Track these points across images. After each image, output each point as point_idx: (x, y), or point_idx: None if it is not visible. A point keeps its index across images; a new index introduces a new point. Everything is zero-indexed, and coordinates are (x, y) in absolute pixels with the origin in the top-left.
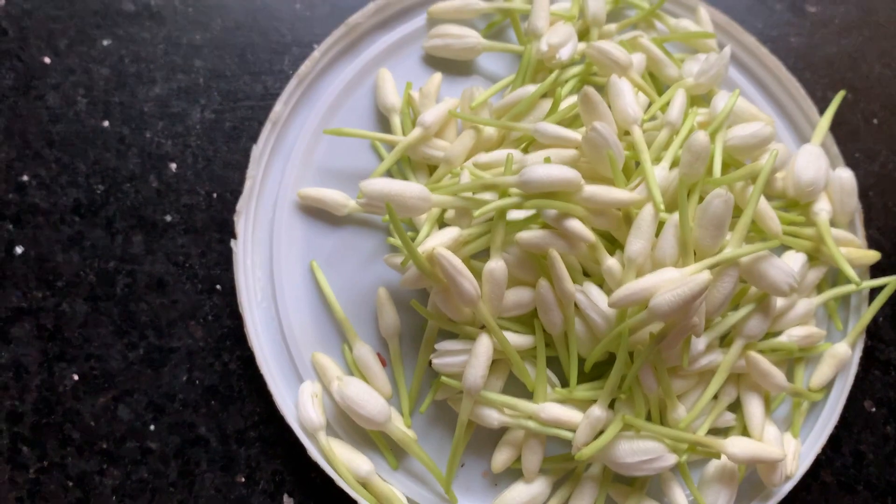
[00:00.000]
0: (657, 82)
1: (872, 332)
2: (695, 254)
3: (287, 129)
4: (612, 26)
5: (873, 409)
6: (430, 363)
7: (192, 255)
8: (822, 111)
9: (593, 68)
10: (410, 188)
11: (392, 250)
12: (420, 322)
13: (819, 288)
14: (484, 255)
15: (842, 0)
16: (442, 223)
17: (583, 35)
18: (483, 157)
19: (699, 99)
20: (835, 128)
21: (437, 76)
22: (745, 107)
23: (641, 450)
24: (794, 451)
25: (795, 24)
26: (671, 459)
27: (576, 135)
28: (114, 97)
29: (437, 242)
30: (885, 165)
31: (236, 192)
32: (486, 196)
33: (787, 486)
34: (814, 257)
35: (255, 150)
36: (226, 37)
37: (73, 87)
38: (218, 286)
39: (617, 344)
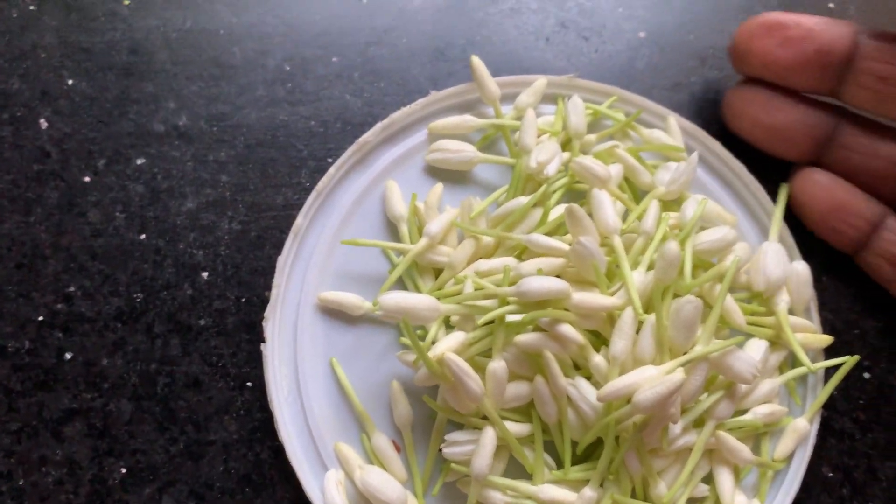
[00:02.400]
0: (633, 187)
1: (828, 403)
2: (670, 350)
3: (307, 239)
4: (592, 137)
5: (830, 474)
6: (440, 451)
7: (224, 356)
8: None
9: (576, 178)
10: (422, 301)
11: (404, 348)
12: (429, 411)
13: (780, 369)
14: (487, 352)
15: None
16: (448, 323)
17: (565, 145)
18: (483, 265)
19: (671, 203)
20: (790, 217)
21: (439, 187)
22: (712, 207)
23: None
24: None
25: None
26: None
27: (563, 245)
28: (149, 212)
29: (445, 347)
30: (838, 252)
31: (261, 296)
32: (487, 303)
33: None
34: (774, 342)
35: (280, 261)
36: (248, 153)
37: (111, 204)
38: (248, 383)
39: (606, 431)
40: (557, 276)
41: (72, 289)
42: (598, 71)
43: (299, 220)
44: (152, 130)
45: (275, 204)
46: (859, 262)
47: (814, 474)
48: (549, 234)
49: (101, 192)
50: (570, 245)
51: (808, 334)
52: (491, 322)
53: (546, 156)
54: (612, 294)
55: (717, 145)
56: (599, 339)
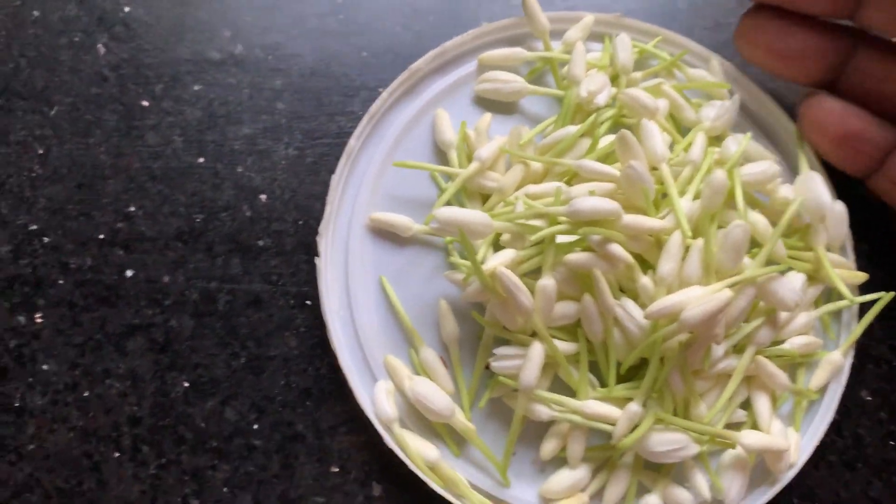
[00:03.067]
0: (677, 123)
1: (866, 331)
2: (716, 273)
3: (358, 161)
4: (638, 74)
5: (868, 398)
6: (486, 366)
7: (283, 275)
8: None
9: (624, 111)
10: (476, 216)
11: (450, 268)
12: (475, 330)
13: (815, 304)
14: (534, 273)
15: None
16: (496, 245)
17: (612, 81)
18: (533, 189)
19: (713, 139)
20: (829, 167)
21: (488, 116)
22: (752, 147)
23: (669, 441)
24: (795, 443)
25: None
26: (694, 449)
27: (614, 170)
28: (207, 136)
29: (497, 262)
30: (884, 205)
31: (318, 218)
32: (537, 223)
33: (791, 473)
34: (812, 277)
35: (333, 180)
36: (303, 82)
37: (169, 128)
38: (307, 301)
39: (651, 350)
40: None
41: (132, 209)
42: (642, 9)
43: (352, 142)
44: (208, 57)
45: (329, 131)
46: (871, 187)
47: (853, 398)
48: (597, 155)
49: (158, 116)
50: (619, 171)
51: (845, 271)
52: (540, 241)
53: (596, 86)
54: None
55: (757, 90)
56: (645, 264)
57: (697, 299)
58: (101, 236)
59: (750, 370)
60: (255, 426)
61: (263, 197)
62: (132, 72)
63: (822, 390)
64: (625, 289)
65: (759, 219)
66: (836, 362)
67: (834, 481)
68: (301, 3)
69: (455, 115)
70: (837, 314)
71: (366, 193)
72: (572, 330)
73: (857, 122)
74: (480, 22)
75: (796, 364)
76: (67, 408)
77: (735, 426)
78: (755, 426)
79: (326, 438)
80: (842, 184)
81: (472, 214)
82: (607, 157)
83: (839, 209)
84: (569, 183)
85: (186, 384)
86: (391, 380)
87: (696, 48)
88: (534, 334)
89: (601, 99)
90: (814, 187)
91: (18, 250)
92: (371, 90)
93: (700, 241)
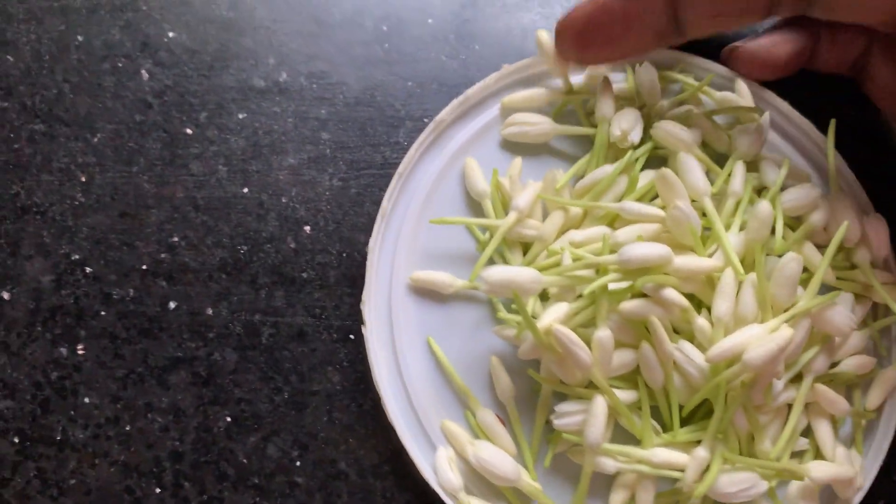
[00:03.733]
0: (709, 150)
1: None
2: (771, 308)
3: (392, 221)
4: (665, 102)
5: None
6: (547, 421)
7: (327, 308)
8: (868, 172)
9: (657, 144)
10: (525, 274)
11: (496, 323)
12: (529, 384)
13: (865, 321)
14: (586, 323)
15: None
16: (542, 297)
17: (640, 110)
18: (577, 236)
19: (749, 164)
20: (881, 186)
21: (518, 161)
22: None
23: (738, 480)
24: (860, 465)
25: (845, 91)
26: (764, 486)
27: (658, 211)
28: (251, 166)
29: (551, 318)
30: None
31: (361, 251)
32: (586, 272)
33: (858, 497)
34: (859, 295)
35: (371, 243)
36: (347, 112)
37: (213, 157)
38: (350, 335)
39: (714, 393)
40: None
41: (175, 239)
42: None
43: (384, 203)
44: (253, 85)
45: (374, 162)
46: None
47: None
48: (637, 199)
49: (202, 144)
50: (662, 210)
51: (892, 286)
52: (592, 291)
53: (628, 123)
54: (710, 256)
55: (785, 105)
56: (695, 302)
57: (758, 339)
58: (144, 267)
59: (808, 397)
60: (298, 463)
61: (308, 228)
62: (176, 99)
63: (880, 408)
64: (679, 330)
65: (806, 245)
66: (891, 379)
67: None
68: (346, 31)
69: (484, 162)
70: (887, 329)
71: (403, 253)
72: (630, 377)
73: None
74: (524, 53)
75: (852, 385)
76: (109, 442)
77: (798, 455)
78: (818, 453)
79: (370, 477)
80: (883, 195)
81: (520, 273)
82: (646, 195)
83: (879, 222)
84: (611, 224)
85: (229, 419)
86: (451, 446)
87: (720, 70)
88: (591, 384)
89: (635, 136)
90: (845, 210)
91: (60, 280)
92: (416, 120)
93: (753, 277)
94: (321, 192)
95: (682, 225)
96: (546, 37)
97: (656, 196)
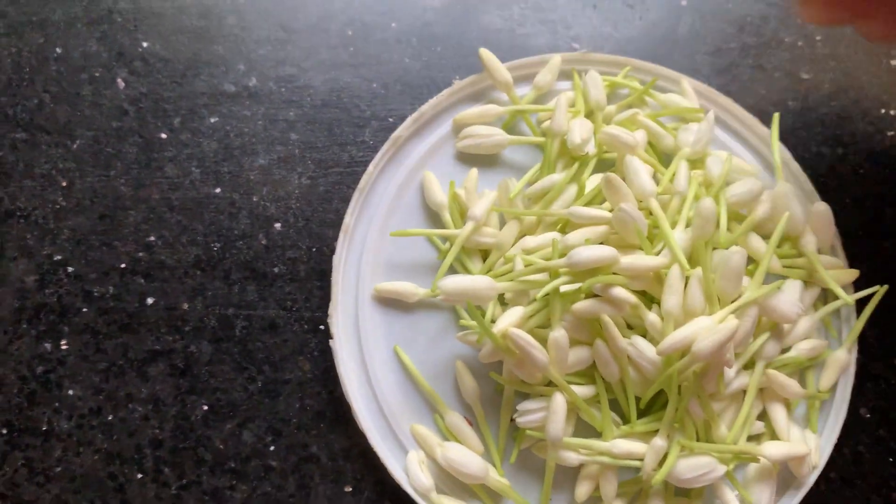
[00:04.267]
0: (656, 151)
1: (864, 349)
2: (718, 300)
3: (355, 235)
4: (612, 107)
5: (868, 416)
6: (511, 420)
7: (297, 301)
8: (815, 165)
9: (604, 148)
10: (480, 282)
11: (459, 329)
12: (493, 385)
13: (815, 306)
14: (542, 324)
15: (830, 68)
16: (501, 301)
17: (587, 117)
18: (530, 242)
19: (695, 162)
20: (827, 178)
21: (474, 172)
22: (733, 161)
23: (697, 466)
24: (815, 445)
25: (792, 90)
26: (721, 470)
27: (605, 213)
28: (223, 167)
29: (507, 322)
30: (869, 209)
31: (331, 246)
32: (539, 276)
33: (814, 476)
34: (807, 282)
35: (335, 259)
36: (315, 113)
37: (187, 159)
38: (321, 326)
39: (668, 384)
40: (601, 244)
41: (152, 238)
42: (642, 37)
43: (346, 219)
44: (224, 90)
45: (341, 161)
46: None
47: (853, 415)
48: (586, 205)
49: (177, 148)
50: (610, 213)
51: (838, 270)
52: (545, 294)
53: (587, 133)
54: (657, 254)
55: (728, 101)
56: (646, 298)
57: (706, 330)
58: (123, 265)
59: (762, 382)
60: (272, 448)
61: (278, 225)
62: (151, 105)
63: (833, 388)
64: (632, 325)
65: (750, 236)
66: (842, 359)
67: (835, 498)
68: (312, 37)
69: (441, 174)
70: (837, 313)
71: (368, 266)
72: (588, 373)
73: None
74: (478, 54)
75: (804, 368)
76: (92, 431)
77: (755, 438)
78: (774, 436)
79: (340, 460)
80: (826, 185)
81: (475, 282)
82: (594, 198)
83: (823, 210)
84: (562, 230)
85: (206, 407)
86: (421, 449)
87: (665, 72)
88: (551, 383)
89: (591, 147)
90: (790, 199)
91: (44, 280)
92: (381, 120)
93: (699, 271)
94: (291, 190)
95: (627, 225)
96: (488, 54)
97: (605, 200)
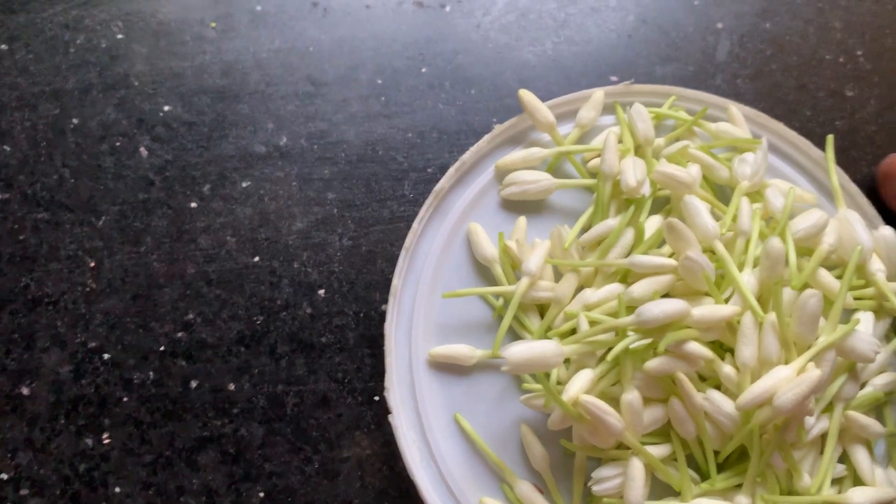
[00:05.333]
0: (709, 183)
1: None
2: (795, 345)
3: (404, 299)
4: (660, 140)
5: None
6: (585, 485)
7: (349, 371)
8: (869, 186)
9: (658, 186)
10: (545, 348)
11: (521, 390)
12: (562, 449)
13: (887, 336)
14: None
15: (875, 83)
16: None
17: (635, 152)
18: (591, 297)
19: (752, 194)
20: (881, 201)
21: (522, 221)
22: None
23: None
24: None
25: (838, 108)
26: None
27: (669, 261)
28: (259, 234)
29: (577, 389)
30: None
31: (378, 309)
32: (606, 336)
33: None
34: (877, 311)
35: (386, 327)
36: (351, 169)
37: (221, 228)
38: (375, 397)
39: (749, 438)
40: (667, 294)
41: (190, 316)
42: (679, 63)
43: (394, 281)
44: (254, 152)
45: (382, 217)
46: None
47: None
48: (646, 250)
49: (209, 217)
50: (672, 258)
51: None
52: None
53: (642, 174)
54: (726, 301)
55: (779, 126)
56: (716, 346)
57: (786, 381)
58: (162, 348)
59: (840, 425)
60: None
61: (322, 292)
62: (178, 173)
63: None
64: (705, 377)
65: (821, 274)
66: None
67: None
68: (342, 88)
69: (487, 224)
70: None
71: (419, 330)
72: (662, 431)
73: None
74: (515, 90)
75: (881, 404)
76: None
77: (837, 482)
78: (856, 479)
79: None
80: (881, 207)
81: (541, 348)
82: (654, 242)
83: (889, 235)
84: (623, 278)
85: (262, 494)
86: None
87: (711, 99)
88: (624, 445)
89: (646, 189)
90: (854, 225)
91: (79, 370)
92: (419, 171)
93: (773, 317)
94: (332, 253)
95: (695, 274)
96: (528, 95)
97: (664, 241)
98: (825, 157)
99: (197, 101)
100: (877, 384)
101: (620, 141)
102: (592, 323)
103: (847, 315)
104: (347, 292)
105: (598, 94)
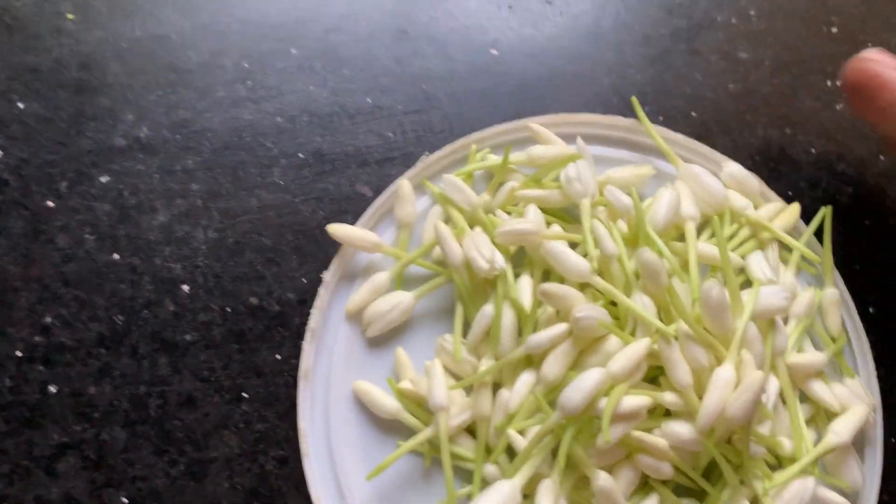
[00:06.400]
0: (551, 212)
1: (847, 279)
2: (717, 337)
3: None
4: (485, 197)
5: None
6: None
7: (215, 369)
8: (764, 150)
9: (510, 249)
10: (501, 496)
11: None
12: None
13: (782, 258)
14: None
15: (769, 44)
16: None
17: (470, 224)
18: (510, 401)
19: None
20: (778, 163)
21: (402, 355)
22: (626, 176)
23: (793, 495)
24: (861, 387)
25: (731, 72)
26: (812, 481)
27: (562, 328)
28: (119, 230)
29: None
30: (826, 190)
31: (246, 303)
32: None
33: (879, 416)
34: (761, 245)
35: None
36: (216, 158)
37: (79, 227)
38: (244, 394)
39: (721, 450)
40: (582, 350)
41: (48, 319)
42: (565, 34)
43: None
44: (113, 146)
45: (250, 207)
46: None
47: (875, 345)
48: (535, 323)
49: (66, 215)
50: (561, 320)
51: (782, 214)
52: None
53: (488, 249)
54: (632, 334)
55: (590, 117)
56: (650, 370)
57: (731, 385)
58: (19, 353)
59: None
60: None
61: (186, 287)
62: (34, 172)
63: (843, 329)
64: (651, 409)
65: (702, 251)
66: (834, 296)
67: None
68: (206, 75)
69: (365, 374)
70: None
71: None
72: (643, 487)
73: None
74: (391, 71)
75: (810, 328)
76: None
77: (810, 423)
78: (825, 412)
79: None
80: (778, 170)
81: (496, 500)
82: (538, 305)
83: (735, 170)
84: (530, 362)
85: (125, 500)
86: None
87: (511, 126)
88: None
89: (499, 261)
90: (700, 178)
91: None
92: (290, 157)
93: (684, 327)
94: (196, 246)
95: (592, 329)
96: (340, 230)
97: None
98: (639, 120)
99: (54, 97)
100: (797, 313)
101: (447, 221)
102: (522, 433)
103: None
104: (213, 287)
105: (404, 187)
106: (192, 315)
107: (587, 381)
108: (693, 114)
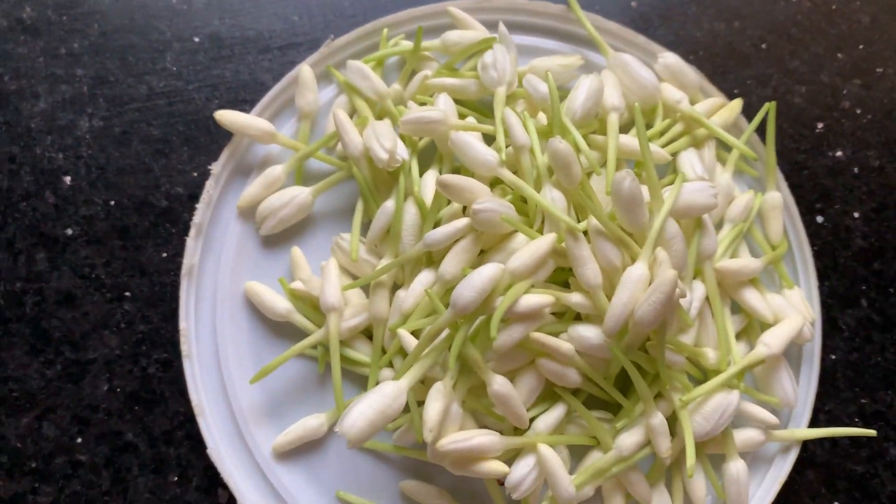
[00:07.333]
0: (468, 104)
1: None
2: (631, 236)
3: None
4: (396, 86)
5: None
6: (501, 485)
7: (97, 266)
8: (709, 44)
9: (416, 140)
10: (382, 398)
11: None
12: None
13: (719, 158)
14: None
15: None
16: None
17: (378, 115)
18: (406, 301)
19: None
20: (726, 57)
21: (297, 253)
22: (554, 66)
23: (713, 409)
24: (800, 299)
25: None
26: (736, 396)
27: (463, 222)
28: None
29: (435, 413)
30: (776, 88)
31: (132, 196)
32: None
33: (818, 327)
34: (697, 143)
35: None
36: (105, 41)
37: None
38: (127, 293)
39: (634, 355)
40: (482, 252)
41: None
42: None
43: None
44: None
45: (139, 94)
46: None
47: (820, 256)
48: (436, 218)
49: None
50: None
51: (722, 110)
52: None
53: (390, 139)
54: (539, 231)
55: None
56: (557, 273)
57: (643, 283)
58: None
59: (718, 281)
60: (79, 440)
61: (68, 179)
62: None
63: (786, 236)
64: (557, 313)
65: (623, 143)
66: (775, 200)
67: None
68: None
69: (258, 274)
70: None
71: (248, 425)
72: (548, 394)
73: None
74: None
75: (747, 234)
76: None
77: (743, 334)
78: (759, 324)
79: (161, 445)
80: (725, 66)
81: (378, 403)
82: (441, 200)
83: (672, 61)
84: (430, 261)
85: None
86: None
87: (426, 10)
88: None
89: (402, 152)
90: (630, 67)
91: None
92: (184, 41)
93: (594, 222)
94: (80, 136)
95: (494, 223)
96: (228, 116)
97: None
98: (569, 7)
99: None
100: (733, 217)
101: (353, 113)
102: (414, 333)
103: (667, 169)
104: (97, 179)
105: (305, 73)
106: (73, 208)
107: (481, 276)
108: (633, 4)
